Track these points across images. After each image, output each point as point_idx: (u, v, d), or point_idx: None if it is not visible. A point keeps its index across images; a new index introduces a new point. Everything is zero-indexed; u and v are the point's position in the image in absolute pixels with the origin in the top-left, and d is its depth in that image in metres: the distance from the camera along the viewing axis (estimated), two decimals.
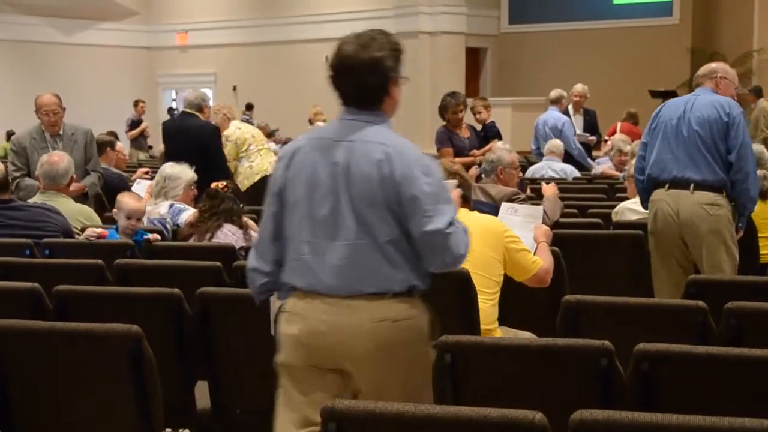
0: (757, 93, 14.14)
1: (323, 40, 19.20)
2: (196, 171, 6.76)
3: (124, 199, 5.44)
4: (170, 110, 16.81)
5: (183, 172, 6.19)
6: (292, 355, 2.91)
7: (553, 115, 10.73)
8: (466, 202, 5.41)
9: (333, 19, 18.91)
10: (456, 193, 5.82)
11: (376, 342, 2.81)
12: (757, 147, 7.52)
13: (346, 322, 2.82)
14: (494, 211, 5.76)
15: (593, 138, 10.90)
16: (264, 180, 7.86)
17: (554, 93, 10.99)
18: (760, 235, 5.74)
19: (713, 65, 5.53)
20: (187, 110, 7.75)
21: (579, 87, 11.16)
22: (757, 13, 17.46)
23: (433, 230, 2.79)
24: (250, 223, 5.43)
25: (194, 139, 7.43)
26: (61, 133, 6.93)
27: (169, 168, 6.24)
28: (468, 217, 4.02)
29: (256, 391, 3.64)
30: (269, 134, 13.57)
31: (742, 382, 2.66)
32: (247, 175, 7.94)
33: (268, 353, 3.59)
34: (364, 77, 2.89)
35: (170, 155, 7.38)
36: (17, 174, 6.82)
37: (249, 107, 16.90)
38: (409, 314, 2.87)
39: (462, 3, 18.14)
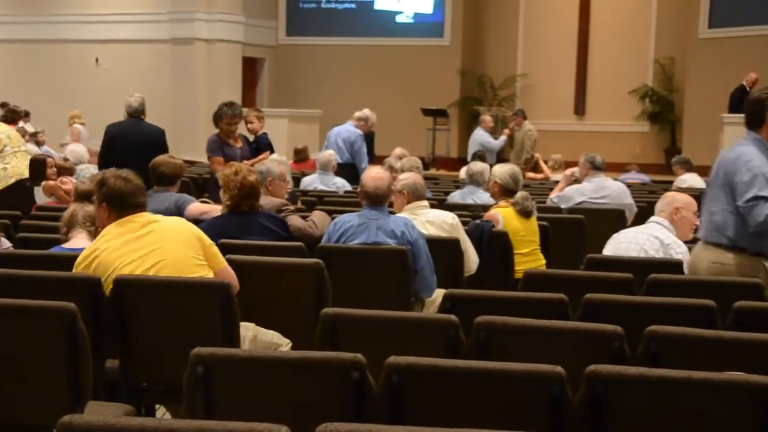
0: (522, 115, 14.78)
1: (93, 41, 18.52)
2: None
3: None
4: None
5: None
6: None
7: (348, 128, 10.82)
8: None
9: (104, 20, 18.27)
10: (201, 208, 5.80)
11: (711, 274, 4.66)
12: (481, 165, 7.91)
13: (701, 260, 4.76)
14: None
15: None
16: (19, 183, 7.39)
17: (363, 113, 11.12)
18: (516, 251, 5.97)
19: None
20: (134, 115, 8.51)
21: (370, 114, 11.27)
22: (521, 41, 18.39)
23: (739, 205, 4.55)
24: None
25: (147, 140, 8.23)
26: None
27: None
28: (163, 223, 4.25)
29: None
30: (31, 135, 12.89)
31: (488, 394, 2.73)
32: (0, 177, 7.37)
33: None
34: (750, 110, 4.76)
35: (118, 157, 7.71)
36: None
37: (3, 105, 15.94)
38: (731, 262, 4.65)
39: (239, 12, 17.99)
